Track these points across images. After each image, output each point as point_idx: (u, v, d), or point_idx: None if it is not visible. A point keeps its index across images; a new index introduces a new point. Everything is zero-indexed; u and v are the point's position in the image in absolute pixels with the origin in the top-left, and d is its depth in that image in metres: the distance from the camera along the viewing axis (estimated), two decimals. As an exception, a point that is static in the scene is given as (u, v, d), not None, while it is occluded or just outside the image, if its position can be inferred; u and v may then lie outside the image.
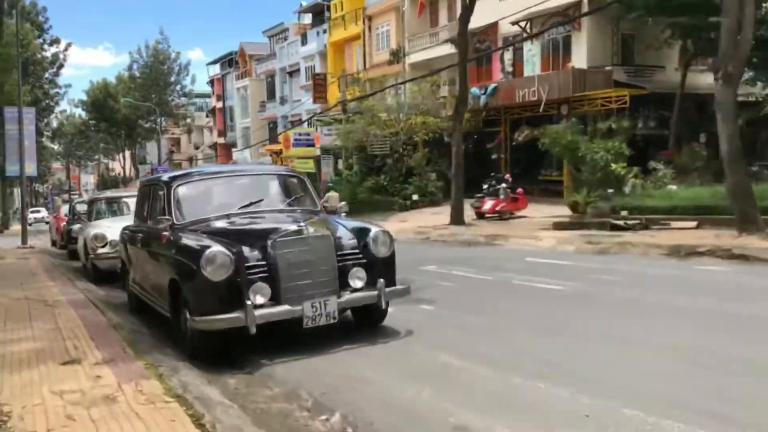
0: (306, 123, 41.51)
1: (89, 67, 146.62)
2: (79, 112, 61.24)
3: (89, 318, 7.16)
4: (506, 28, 27.52)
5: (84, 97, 57.86)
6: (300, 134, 34.25)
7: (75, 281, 11.20)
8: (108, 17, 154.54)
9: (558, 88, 24.03)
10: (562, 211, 18.88)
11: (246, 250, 5.57)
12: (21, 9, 25.18)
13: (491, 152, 28.19)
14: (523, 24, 26.76)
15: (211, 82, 62.22)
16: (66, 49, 42.16)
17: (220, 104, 60.09)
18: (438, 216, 21.87)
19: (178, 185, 6.78)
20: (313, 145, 34.68)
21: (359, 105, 29.25)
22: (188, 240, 5.93)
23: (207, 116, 64.57)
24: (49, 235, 25.75)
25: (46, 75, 40.83)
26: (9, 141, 20.39)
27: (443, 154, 27.45)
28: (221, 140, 59.99)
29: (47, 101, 40.54)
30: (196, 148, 68.35)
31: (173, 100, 54.46)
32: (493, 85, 27.10)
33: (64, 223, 21.21)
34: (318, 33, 43.23)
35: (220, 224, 6.36)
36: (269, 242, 5.58)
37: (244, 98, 54.54)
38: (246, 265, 5.47)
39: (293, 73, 47.19)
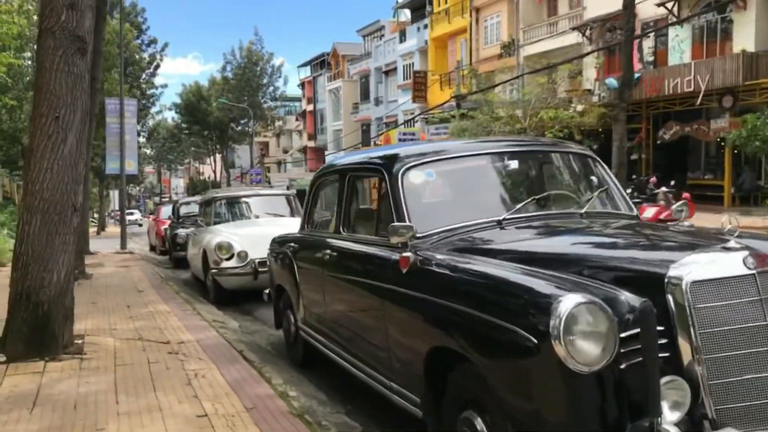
0: (404, 123, 38.71)
1: (178, 76, 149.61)
2: (172, 115, 60.55)
3: (247, 388, 4.31)
4: (647, 11, 23.82)
5: (177, 101, 57.11)
6: (405, 134, 31.44)
7: (193, 303, 8.51)
8: (197, 27, 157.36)
9: (722, 76, 20.20)
10: (752, 221, 15.22)
11: (621, 298, 2.50)
12: (121, 9, 23.60)
13: (630, 152, 24.43)
14: (669, 5, 23.04)
15: (302, 85, 60.43)
16: (163, 50, 40.86)
17: (310, 107, 58.16)
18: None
19: (410, 168, 3.81)
20: (418, 146, 31.79)
21: (478, 99, 26.10)
22: (495, 271, 2.91)
23: (297, 119, 62.81)
24: (147, 239, 23.75)
25: (144, 75, 39.53)
26: (109, 135, 18.33)
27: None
28: (311, 143, 58.03)
29: (144, 101, 39.19)
30: (285, 152, 66.79)
31: (265, 102, 52.68)
32: (635, 75, 23.36)
33: (165, 226, 19.02)
34: (418, 29, 40.37)
35: (510, 239, 3.35)
36: (672, 280, 2.52)
37: (336, 100, 52.31)
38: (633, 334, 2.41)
39: (389, 72, 44.51)
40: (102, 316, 7.46)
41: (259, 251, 8.63)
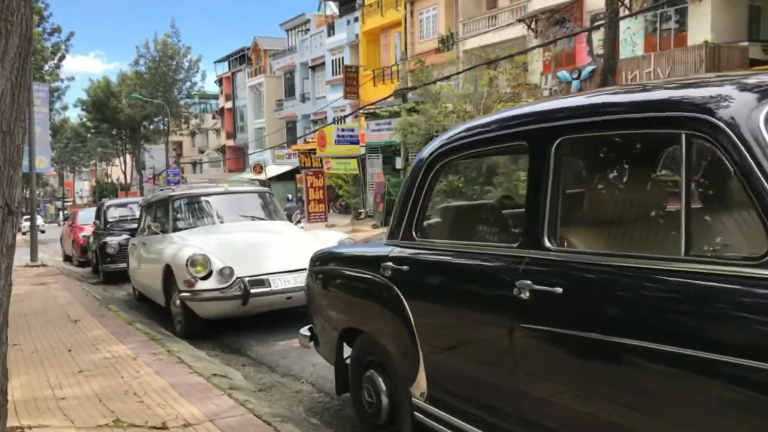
0: (342, 119, 36.51)
1: (80, 74, 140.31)
2: (75, 114, 55.60)
3: None
4: (595, 3, 22.82)
5: (83, 98, 52.35)
6: (344, 130, 29.26)
7: (162, 340, 6.12)
8: (99, 21, 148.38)
9: (684, 68, 19.30)
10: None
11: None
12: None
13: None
14: (622, -4, 22.05)
15: (219, 81, 56.94)
16: (68, 39, 36.70)
17: (229, 104, 54.84)
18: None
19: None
20: (357, 143, 29.71)
21: (422, 94, 24.31)
22: None
23: (214, 117, 59.19)
24: (60, 248, 20.48)
25: (46, 67, 35.34)
26: (15, 127, 15.21)
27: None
28: (230, 142, 54.72)
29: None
30: (201, 152, 62.97)
31: (182, 99, 48.95)
32: (589, 68, 22.27)
33: (85, 233, 16.12)
34: (348, 22, 38.29)
35: None
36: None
37: (258, 97, 49.39)
38: None
39: (317, 67, 42.18)
40: (35, 370, 5.02)
41: (248, 267, 6.40)
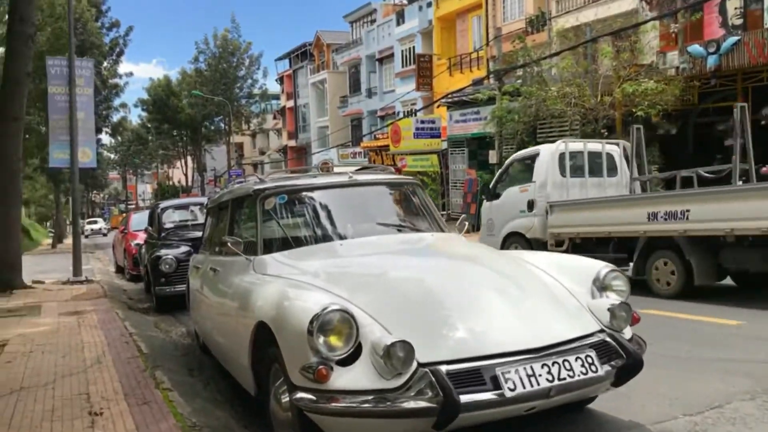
0: (408, 113, 32.98)
1: (142, 81, 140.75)
2: (138, 114, 53.69)
3: None
4: (732, -35, 18.65)
5: (144, 99, 50.30)
6: (423, 122, 25.65)
7: None
8: (160, 29, 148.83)
9: None
10: None
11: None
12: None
13: (724, 136, 19.13)
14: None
15: (280, 80, 54.11)
16: (127, 34, 34.35)
17: (290, 103, 51.92)
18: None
19: None
20: (438, 136, 26.08)
21: (525, 76, 20.51)
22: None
23: (275, 117, 56.44)
24: (113, 256, 17.50)
25: (105, 63, 32.95)
26: (53, 112, 12.10)
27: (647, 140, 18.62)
28: (292, 143, 51.82)
29: (106, 92, 32.67)
30: (262, 153, 60.41)
31: (243, 98, 46.15)
32: (732, 39, 18.04)
33: (138, 241, 13.01)
34: (420, 8, 34.66)
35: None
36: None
37: (321, 94, 46.26)
38: None
39: (384, 59, 38.72)
40: None
41: (439, 340, 2.89)
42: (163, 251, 9.28)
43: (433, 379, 2.78)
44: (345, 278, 3.53)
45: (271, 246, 4.32)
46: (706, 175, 9.83)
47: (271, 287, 3.62)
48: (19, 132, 10.52)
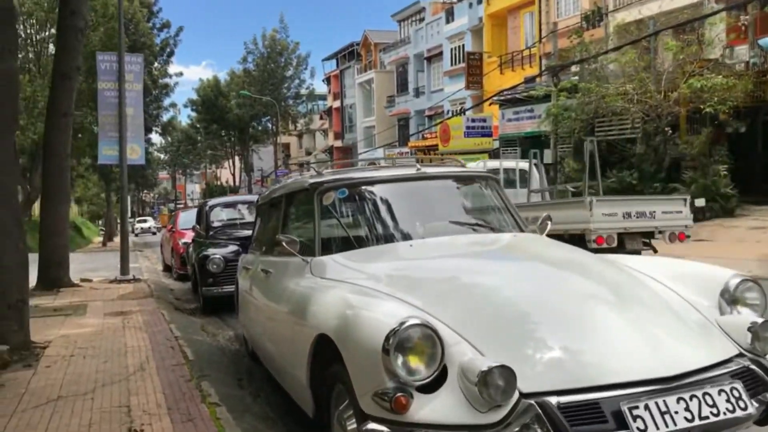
0: (456, 112, 32.28)
1: (192, 83, 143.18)
2: (187, 115, 54.31)
3: None
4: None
5: (193, 99, 50.78)
6: (474, 120, 24.98)
7: None
8: (209, 32, 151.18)
9: None
10: None
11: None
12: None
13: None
14: None
15: (327, 80, 54.02)
16: (177, 34, 34.62)
17: (336, 103, 51.77)
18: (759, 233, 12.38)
19: None
20: (489, 135, 25.36)
21: (582, 72, 19.68)
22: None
23: (321, 118, 56.37)
24: (161, 255, 17.39)
25: (156, 63, 33.24)
26: (103, 108, 11.92)
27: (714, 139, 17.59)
28: (338, 143, 51.60)
29: (156, 92, 32.96)
30: (308, 153, 60.42)
31: (290, 98, 46.09)
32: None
33: (185, 239, 12.77)
34: (470, 5, 33.95)
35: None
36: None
37: (368, 94, 45.93)
38: None
39: (433, 58, 38.14)
40: None
41: (547, 366, 2.32)
42: (210, 250, 8.91)
43: (542, 413, 2.22)
44: (420, 285, 2.99)
45: (330, 246, 3.82)
46: (571, 189, 13.19)
47: (333, 294, 3.10)
48: (68, 128, 10.32)
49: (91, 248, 34.45)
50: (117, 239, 37.67)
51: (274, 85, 44.28)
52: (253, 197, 11.35)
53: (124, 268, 12.33)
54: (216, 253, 8.79)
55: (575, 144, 18.55)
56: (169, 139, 57.66)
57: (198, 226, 10.43)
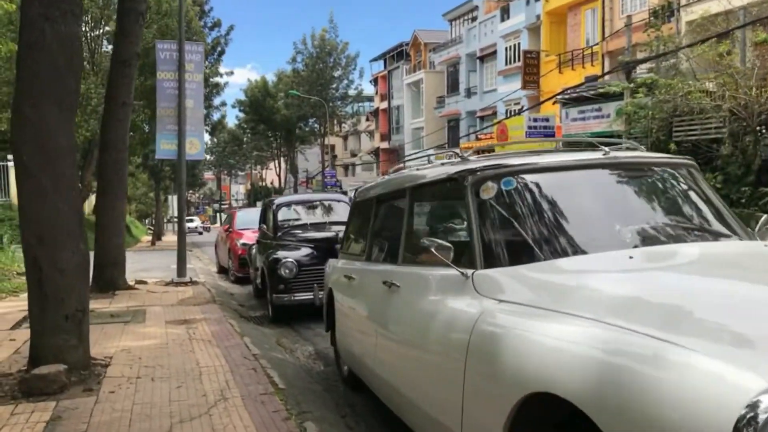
0: (505, 114, 31.03)
1: (237, 86, 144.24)
2: (233, 117, 54.08)
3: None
4: None
5: (241, 99, 50.48)
6: (536, 120, 23.70)
7: None
8: (253, 35, 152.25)
9: None
10: None
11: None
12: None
13: None
14: None
15: (374, 81, 53.16)
16: (228, 33, 34.21)
17: (384, 105, 50.86)
18: None
19: None
20: (552, 136, 24.03)
21: (658, 69, 18.28)
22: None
23: (367, 119, 55.53)
24: (215, 257, 16.64)
25: (207, 62, 32.76)
26: (162, 100, 11.16)
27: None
28: (384, 144, 50.65)
29: (207, 91, 32.46)
30: (353, 155, 59.75)
31: (337, 99, 45.29)
32: None
33: (245, 241, 12.00)
34: (528, 2, 32.64)
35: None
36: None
37: (416, 94, 44.87)
38: None
39: (486, 57, 36.88)
40: None
41: None
42: (281, 253, 7.99)
43: None
44: (698, 320, 1.92)
45: (495, 255, 2.78)
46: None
47: (556, 331, 2.06)
48: (127, 118, 9.55)
49: (140, 247, 34.18)
50: (165, 238, 37.45)
51: (323, 86, 43.55)
52: (328, 195, 10.45)
53: (181, 270, 11.54)
54: (288, 256, 7.86)
55: (653, 145, 17.15)
56: (216, 140, 57.60)
57: (264, 226, 9.53)
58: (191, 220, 56.95)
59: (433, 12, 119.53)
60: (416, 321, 3.07)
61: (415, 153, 40.56)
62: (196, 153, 11.50)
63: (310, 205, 9.40)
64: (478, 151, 32.65)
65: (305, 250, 7.98)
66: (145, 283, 11.27)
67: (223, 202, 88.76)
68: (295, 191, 54.27)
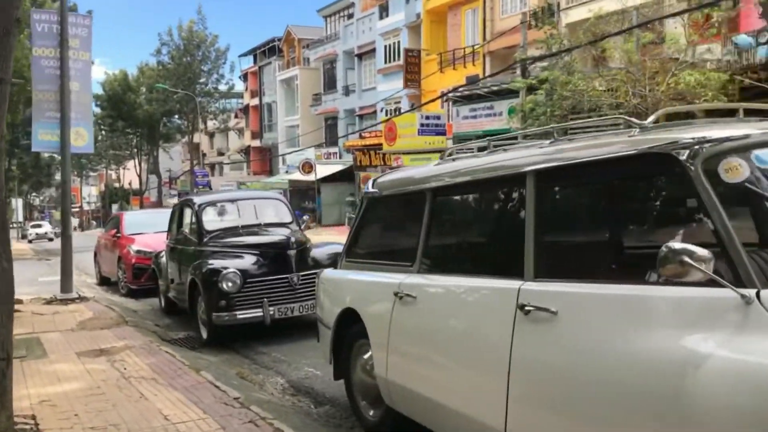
0: (385, 112, 30.62)
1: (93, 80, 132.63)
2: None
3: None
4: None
5: (98, 92, 46.10)
6: (428, 117, 23.33)
7: None
8: (103, 29, 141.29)
9: None
10: None
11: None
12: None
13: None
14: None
15: (244, 77, 50.83)
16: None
17: (254, 101, 48.76)
18: None
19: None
20: (443, 134, 23.80)
21: (551, 67, 18.46)
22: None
23: (236, 116, 53.00)
24: (94, 267, 14.37)
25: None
26: (40, 81, 9.12)
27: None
28: (255, 143, 48.57)
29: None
30: (221, 154, 56.84)
31: (204, 96, 42.58)
32: (788, 28, 16.47)
33: (137, 247, 10.30)
34: (407, 0, 32.38)
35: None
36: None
37: (290, 91, 43.36)
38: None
39: (364, 55, 36.27)
40: None
41: None
42: (219, 262, 6.59)
43: None
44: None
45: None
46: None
47: None
48: (5, 99, 7.58)
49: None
50: (14, 246, 33.02)
51: (190, 80, 40.80)
52: (254, 193, 9.10)
53: (66, 285, 9.58)
54: (228, 266, 6.48)
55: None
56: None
57: (182, 230, 7.97)
58: (39, 225, 51.32)
59: (307, 8, 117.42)
60: (624, 376, 2.05)
61: (294, 151, 39.00)
62: (84, 145, 9.57)
63: (238, 205, 7.98)
64: (363, 151, 31.76)
65: (249, 258, 6.64)
66: (20, 302, 9.21)
67: (73, 205, 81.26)
68: (159, 192, 50.62)
